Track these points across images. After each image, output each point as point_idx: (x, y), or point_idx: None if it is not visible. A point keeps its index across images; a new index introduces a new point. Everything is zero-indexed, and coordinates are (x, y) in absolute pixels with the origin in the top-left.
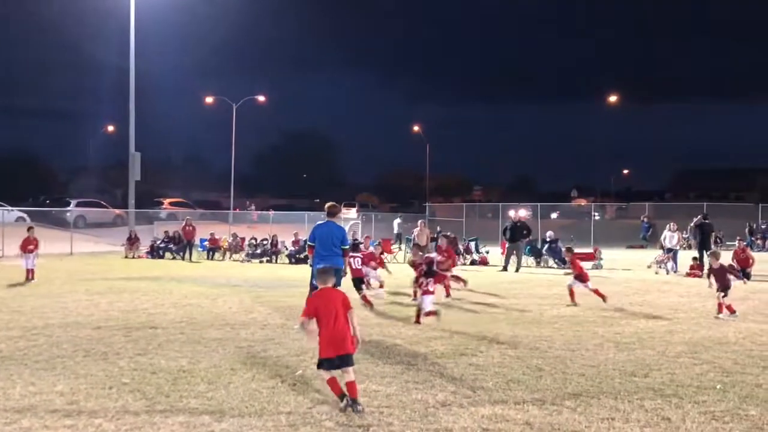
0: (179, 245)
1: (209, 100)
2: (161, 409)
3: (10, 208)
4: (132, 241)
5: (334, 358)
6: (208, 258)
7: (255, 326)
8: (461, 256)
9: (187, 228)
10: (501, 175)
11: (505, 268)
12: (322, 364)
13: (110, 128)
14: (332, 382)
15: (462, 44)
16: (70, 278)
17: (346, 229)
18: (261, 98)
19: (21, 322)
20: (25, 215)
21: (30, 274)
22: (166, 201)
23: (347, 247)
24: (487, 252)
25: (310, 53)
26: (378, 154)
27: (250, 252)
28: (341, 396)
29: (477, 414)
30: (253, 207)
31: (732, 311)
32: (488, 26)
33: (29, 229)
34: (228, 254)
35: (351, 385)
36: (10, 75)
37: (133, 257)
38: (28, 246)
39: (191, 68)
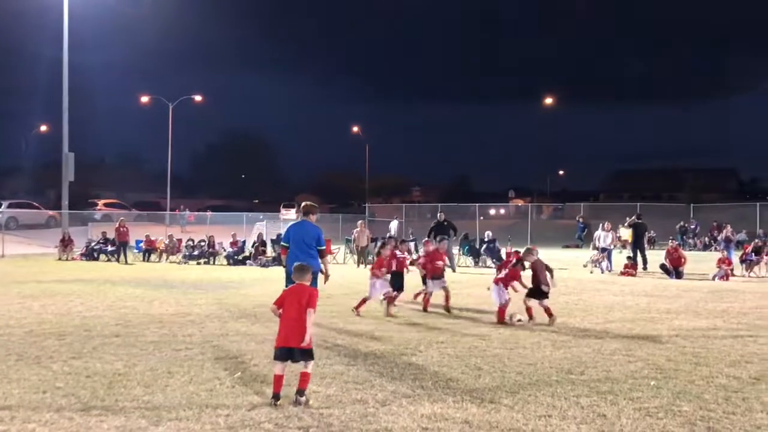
0: (114, 247)
1: (145, 99)
2: (96, 413)
3: None
4: (66, 243)
5: (280, 349)
6: (144, 260)
7: (192, 328)
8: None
9: (120, 229)
10: (440, 175)
11: None
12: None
13: (43, 128)
14: (276, 379)
15: (403, 45)
16: (1, 281)
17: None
18: (198, 98)
19: None
20: None
21: None
22: (101, 202)
23: (323, 247)
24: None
25: (250, 53)
26: (318, 155)
27: (187, 253)
28: (275, 396)
29: (416, 413)
30: (187, 211)
31: (531, 317)
32: (429, 27)
33: None
34: (165, 256)
35: (302, 375)
36: None
37: (67, 259)
38: None
39: (127, 67)
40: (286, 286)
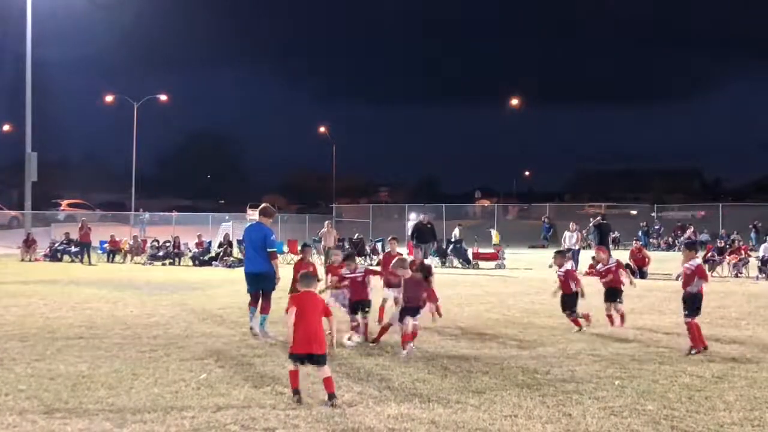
0: (78, 248)
1: (109, 98)
2: (60, 416)
3: None
4: (28, 244)
5: (299, 354)
6: (108, 260)
7: (157, 329)
8: (368, 257)
9: (84, 230)
10: (406, 176)
11: None
12: (289, 357)
13: (5, 127)
14: (293, 375)
15: (368, 44)
16: None
17: None
18: (163, 97)
19: None
20: None
21: None
22: (64, 202)
23: (274, 249)
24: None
25: (214, 52)
26: (284, 155)
27: (152, 254)
28: (295, 390)
29: (383, 414)
30: (147, 215)
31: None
32: (395, 27)
33: None
34: (129, 257)
35: (328, 381)
36: None
37: (30, 260)
38: None
39: (91, 65)
40: (248, 288)
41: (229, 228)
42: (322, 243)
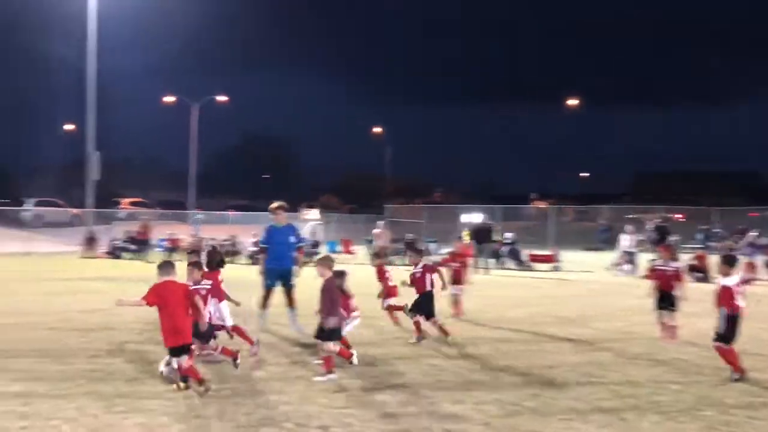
0: (137, 245)
1: (169, 99)
2: (119, 410)
3: None
4: (90, 241)
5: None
6: (167, 258)
7: None
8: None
9: (143, 228)
10: (461, 177)
11: None
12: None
13: (69, 127)
14: (191, 371)
15: (425, 44)
16: (27, 278)
17: (307, 230)
18: (222, 98)
19: None
20: None
21: None
22: (125, 201)
23: (302, 245)
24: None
25: (272, 54)
26: (339, 156)
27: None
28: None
29: (436, 414)
30: (201, 215)
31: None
32: (453, 27)
33: None
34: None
35: (189, 370)
36: None
37: (91, 257)
38: None
39: (152, 67)
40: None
41: None
42: (375, 243)
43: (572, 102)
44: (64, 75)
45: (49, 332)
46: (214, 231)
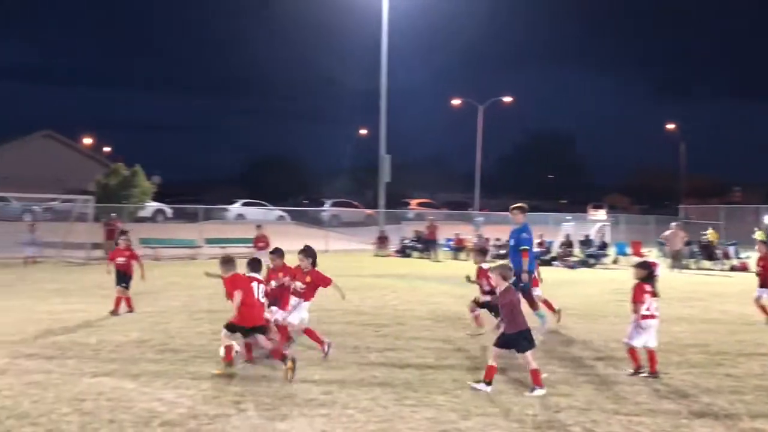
0: (425, 245)
1: (456, 102)
2: (409, 404)
3: (271, 207)
4: (382, 240)
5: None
6: (453, 258)
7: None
8: (719, 262)
9: (430, 228)
10: (763, 174)
11: None
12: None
13: (363, 132)
14: (229, 349)
15: (723, 31)
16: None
17: (594, 230)
18: (507, 99)
19: None
20: (285, 214)
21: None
22: (414, 201)
23: (526, 248)
24: (748, 257)
25: (556, 52)
26: (628, 154)
27: (495, 253)
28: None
29: (735, 427)
30: (481, 218)
31: None
32: (749, 16)
33: (258, 227)
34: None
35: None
36: (283, 80)
37: (383, 255)
38: (258, 243)
39: (438, 71)
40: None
41: (571, 228)
42: (667, 245)
43: None
44: (361, 81)
45: (345, 325)
46: (496, 231)
